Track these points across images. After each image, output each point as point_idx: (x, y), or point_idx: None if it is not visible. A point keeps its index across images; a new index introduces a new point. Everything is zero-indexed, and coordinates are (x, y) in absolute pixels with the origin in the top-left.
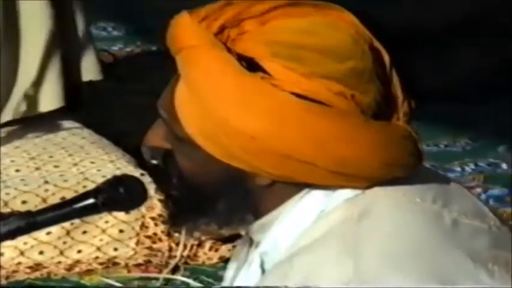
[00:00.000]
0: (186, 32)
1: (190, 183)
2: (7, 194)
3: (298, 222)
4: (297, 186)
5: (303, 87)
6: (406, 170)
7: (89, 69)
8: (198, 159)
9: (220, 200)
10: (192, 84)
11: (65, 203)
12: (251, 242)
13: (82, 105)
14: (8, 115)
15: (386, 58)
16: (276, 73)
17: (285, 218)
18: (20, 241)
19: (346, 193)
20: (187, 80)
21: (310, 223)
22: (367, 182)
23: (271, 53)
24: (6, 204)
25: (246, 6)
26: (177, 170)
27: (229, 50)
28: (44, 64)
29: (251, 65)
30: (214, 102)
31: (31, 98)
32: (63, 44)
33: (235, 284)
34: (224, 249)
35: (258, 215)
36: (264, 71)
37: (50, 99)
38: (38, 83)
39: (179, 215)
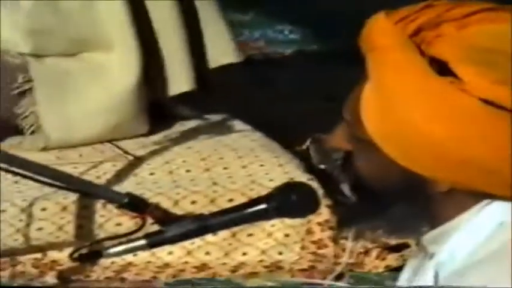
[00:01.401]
0: (380, 32)
1: (367, 186)
2: (177, 193)
3: (476, 235)
4: (476, 197)
5: (492, 94)
6: None
7: (224, 53)
8: (377, 162)
9: (396, 205)
10: (380, 85)
11: (236, 208)
12: (425, 253)
13: (210, 91)
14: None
15: None
16: (466, 78)
17: (462, 230)
18: (188, 241)
19: None
20: (375, 80)
21: (487, 236)
22: None
23: (464, 58)
24: (176, 203)
25: (446, 9)
26: (352, 174)
27: (422, 53)
28: (171, 48)
29: (443, 69)
30: (399, 103)
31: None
32: (189, 29)
33: None
34: (391, 258)
35: (433, 224)
36: (455, 75)
37: (180, 82)
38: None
39: (348, 220)
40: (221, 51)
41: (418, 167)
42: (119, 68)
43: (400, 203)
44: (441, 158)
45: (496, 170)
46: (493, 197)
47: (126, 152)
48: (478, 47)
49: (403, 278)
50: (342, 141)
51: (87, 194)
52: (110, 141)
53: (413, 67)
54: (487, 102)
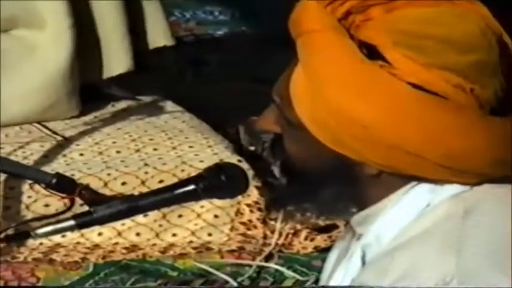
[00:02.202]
0: (310, 15)
1: (297, 169)
2: (108, 174)
3: (402, 216)
4: (404, 179)
5: (421, 78)
6: None
7: (159, 35)
8: (307, 145)
9: (325, 187)
10: (309, 68)
11: (166, 188)
12: (353, 234)
13: (141, 72)
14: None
15: None
16: (395, 62)
17: (389, 211)
18: (119, 222)
19: (452, 188)
20: (305, 63)
21: (414, 217)
22: (476, 178)
23: (393, 42)
24: (106, 184)
25: None
26: (282, 156)
27: (351, 37)
28: (109, 29)
29: (372, 53)
30: (329, 88)
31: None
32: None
33: (335, 274)
34: (319, 239)
35: (362, 206)
36: (384, 59)
37: (117, 63)
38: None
39: (279, 201)
40: (158, 32)
41: (347, 150)
42: (51, 47)
43: (329, 185)
44: (370, 142)
45: (423, 154)
46: (420, 179)
47: (54, 133)
48: (406, 31)
49: (331, 258)
50: (271, 124)
51: (14, 174)
52: (39, 121)
53: (343, 51)
54: (415, 86)
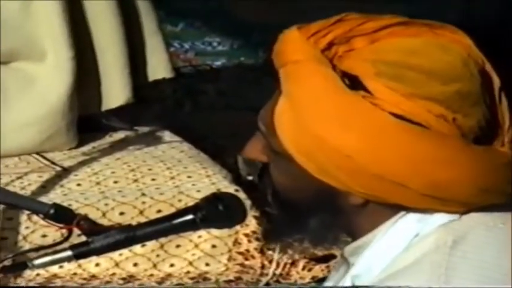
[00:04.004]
0: (293, 46)
1: (284, 198)
2: (106, 204)
3: (391, 247)
4: (392, 209)
5: (403, 108)
6: (504, 197)
7: (159, 67)
8: (293, 174)
9: (312, 216)
10: (292, 99)
11: (164, 218)
12: (348, 264)
13: (140, 103)
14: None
15: (496, 82)
16: (377, 92)
17: (378, 242)
18: (116, 252)
19: (441, 218)
20: (288, 94)
21: (403, 248)
22: (463, 207)
23: (375, 72)
24: (104, 215)
25: (358, 23)
26: (271, 185)
27: (334, 67)
28: (110, 61)
29: (354, 83)
30: (312, 118)
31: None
32: (129, 42)
33: None
34: (317, 269)
35: (353, 235)
36: (366, 89)
37: (116, 95)
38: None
39: (273, 232)
40: (158, 65)
41: (332, 179)
42: (51, 79)
43: (316, 215)
44: (354, 172)
45: (407, 183)
46: (407, 208)
47: (52, 163)
48: (389, 61)
49: (328, 286)
50: (257, 153)
51: (12, 205)
52: (37, 152)
53: (325, 81)
54: (397, 116)
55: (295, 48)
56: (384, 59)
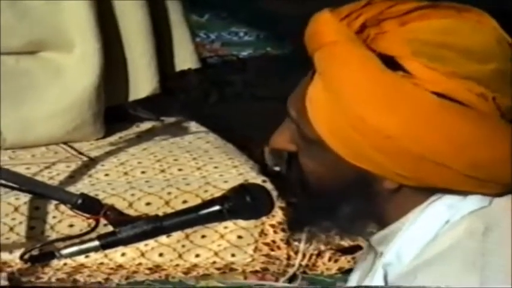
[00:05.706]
0: (328, 28)
1: (314, 187)
2: (132, 195)
3: (422, 234)
4: (424, 194)
5: (444, 87)
6: None
7: (186, 58)
8: (326, 161)
9: (344, 204)
10: (330, 81)
11: (190, 209)
12: (375, 253)
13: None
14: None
15: None
16: (416, 72)
17: (408, 230)
18: (142, 242)
19: (471, 205)
20: (325, 76)
21: (434, 235)
22: (499, 188)
23: (413, 52)
24: (130, 205)
25: (387, 6)
26: (300, 175)
27: (369, 49)
28: (136, 52)
29: (391, 64)
30: (351, 99)
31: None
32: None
33: None
34: (343, 261)
35: (382, 223)
36: (404, 70)
37: (143, 85)
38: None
39: (300, 222)
40: (185, 55)
41: (369, 163)
42: (78, 69)
43: (347, 202)
44: (394, 153)
45: (449, 163)
46: (444, 191)
47: (80, 153)
48: (425, 41)
49: (353, 278)
50: (285, 143)
51: (40, 194)
52: (64, 142)
53: (364, 62)
54: (439, 95)
55: (330, 30)
56: (421, 38)
